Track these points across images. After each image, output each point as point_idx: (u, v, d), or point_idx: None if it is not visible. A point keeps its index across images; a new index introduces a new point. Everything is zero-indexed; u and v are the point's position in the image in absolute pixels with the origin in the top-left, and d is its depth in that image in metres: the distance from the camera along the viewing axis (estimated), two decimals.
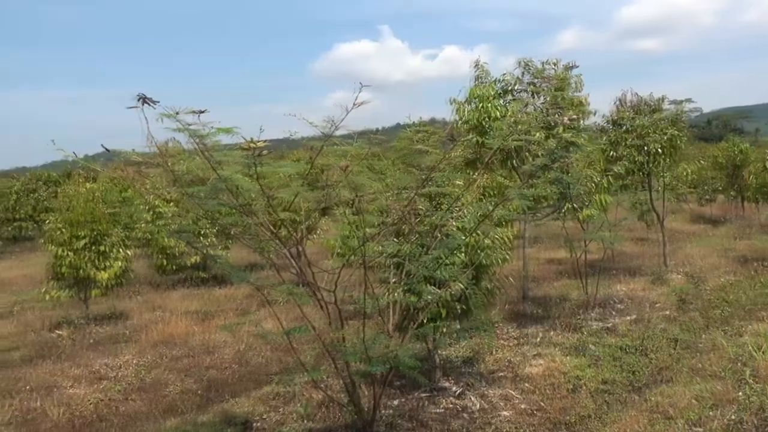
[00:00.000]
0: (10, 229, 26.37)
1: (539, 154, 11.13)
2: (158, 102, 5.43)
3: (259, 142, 4.52)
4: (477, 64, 12.21)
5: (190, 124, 5.48)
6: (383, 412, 6.84)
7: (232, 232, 15.83)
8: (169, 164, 5.61)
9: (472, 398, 7.40)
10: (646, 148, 13.86)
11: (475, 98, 11.71)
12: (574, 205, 11.59)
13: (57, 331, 11.58)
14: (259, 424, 6.80)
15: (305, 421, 6.77)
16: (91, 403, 7.74)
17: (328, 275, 6.04)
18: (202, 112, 5.68)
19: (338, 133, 5.42)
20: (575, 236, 12.43)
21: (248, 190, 5.39)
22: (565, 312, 11.14)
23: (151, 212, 17.73)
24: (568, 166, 11.03)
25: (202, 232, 15.32)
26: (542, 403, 7.16)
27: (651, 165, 14.15)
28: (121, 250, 12.92)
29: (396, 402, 7.25)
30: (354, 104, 5.00)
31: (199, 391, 8.29)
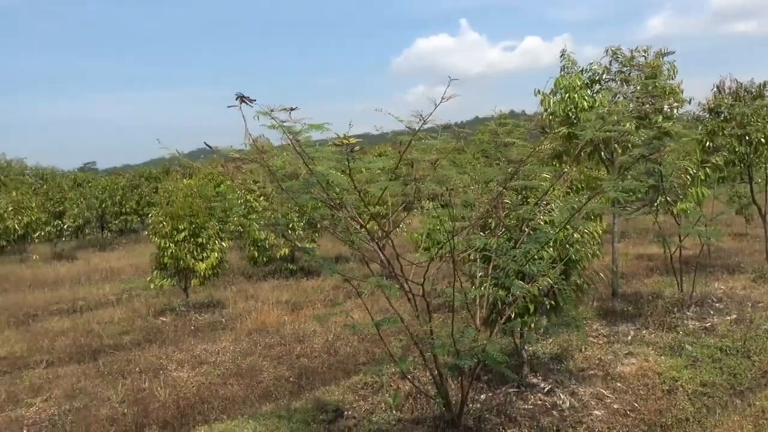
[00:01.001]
0: (117, 222, 28.45)
1: (629, 145, 10.70)
2: (255, 101, 5.73)
3: (351, 138, 4.66)
4: (563, 54, 11.86)
5: (284, 121, 5.75)
6: (471, 405, 6.86)
7: (319, 225, 16.41)
8: (265, 160, 5.89)
9: (562, 396, 7.26)
10: (747, 137, 13.00)
11: (561, 89, 11.38)
12: (668, 198, 11.03)
13: (161, 318, 12.43)
14: (349, 412, 7.00)
15: (394, 411, 6.90)
16: (193, 386, 8.27)
17: (414, 268, 6.12)
18: (293, 109, 5.93)
19: (412, 127, 5.51)
20: (668, 231, 11.83)
21: (339, 185, 5.57)
22: (658, 310, 10.65)
23: (244, 206, 18.61)
24: (662, 157, 10.53)
25: (291, 225, 15.94)
26: (636, 404, 6.92)
27: (752, 156, 13.26)
28: (217, 242, 13.66)
29: (483, 396, 7.25)
30: (442, 98, 5.05)
31: (292, 379, 8.64)
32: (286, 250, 17.06)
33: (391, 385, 7.78)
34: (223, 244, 14.08)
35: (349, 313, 8.29)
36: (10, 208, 21.27)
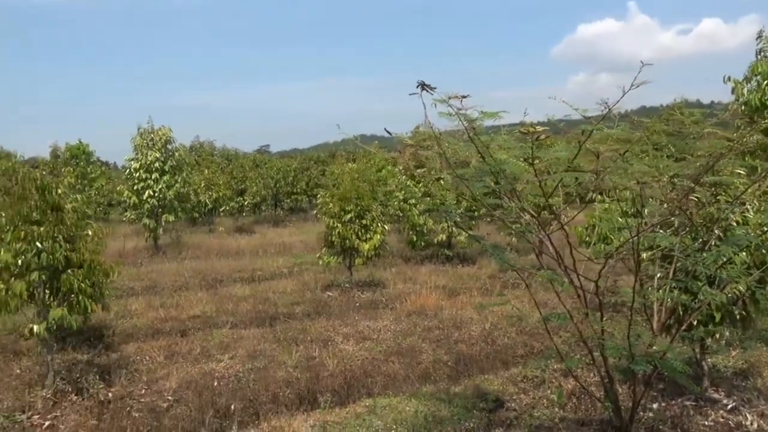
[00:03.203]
0: (289, 201, 30.81)
1: None
2: (435, 89, 5.85)
3: (537, 126, 4.57)
4: (760, 36, 10.47)
5: (460, 109, 5.81)
6: (642, 414, 6.46)
7: (476, 213, 16.32)
8: (442, 147, 5.99)
9: (748, 416, 6.55)
10: None
11: (757, 75, 10.10)
12: None
13: (328, 292, 13.28)
14: (510, 404, 6.95)
15: (556, 409, 6.73)
16: (358, 359, 8.75)
17: (579, 263, 5.87)
18: (465, 97, 5.96)
19: (587, 116, 5.23)
20: None
21: (513, 174, 5.50)
22: None
23: (403, 191, 19.14)
24: None
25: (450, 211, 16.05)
26: None
27: None
28: (379, 224, 14.23)
29: (656, 405, 6.78)
30: (632, 84, 4.75)
31: (450, 363, 8.78)
32: (444, 236, 17.28)
33: (552, 382, 7.59)
34: (386, 226, 14.65)
35: (515, 305, 8.16)
36: (202, 185, 24.02)
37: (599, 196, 12.26)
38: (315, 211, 25.10)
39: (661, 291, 6.04)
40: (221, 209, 26.40)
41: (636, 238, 5.05)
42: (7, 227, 7.81)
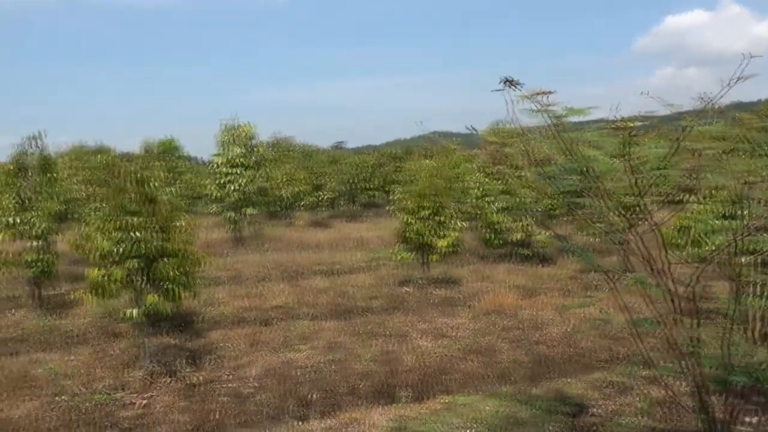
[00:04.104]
0: (365, 197, 31.16)
1: None
2: (522, 84, 5.73)
3: (631, 122, 4.39)
4: None
5: (547, 105, 5.67)
6: (738, 428, 6.07)
7: (556, 212, 15.89)
8: (527, 144, 5.87)
9: None
10: None
11: None
12: None
13: (404, 288, 13.35)
14: (594, 409, 6.73)
15: (644, 418, 6.45)
16: (435, 356, 8.74)
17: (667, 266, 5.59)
18: (550, 93, 5.81)
19: (662, 113, 4.97)
20: None
21: (603, 172, 5.32)
22: None
23: (479, 189, 18.91)
24: None
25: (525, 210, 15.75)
26: None
27: None
28: (456, 221, 14.14)
29: (754, 420, 6.35)
30: (735, 78, 4.48)
31: (529, 364, 8.61)
32: (521, 235, 16.93)
33: (639, 389, 7.28)
34: (462, 224, 14.54)
35: (602, 308, 7.90)
36: (282, 180, 24.74)
37: (692, 197, 11.62)
38: (390, 207, 25.25)
39: (761, 298, 5.66)
40: (300, 203, 27.08)
41: (736, 241, 4.75)
42: (108, 217, 8.36)
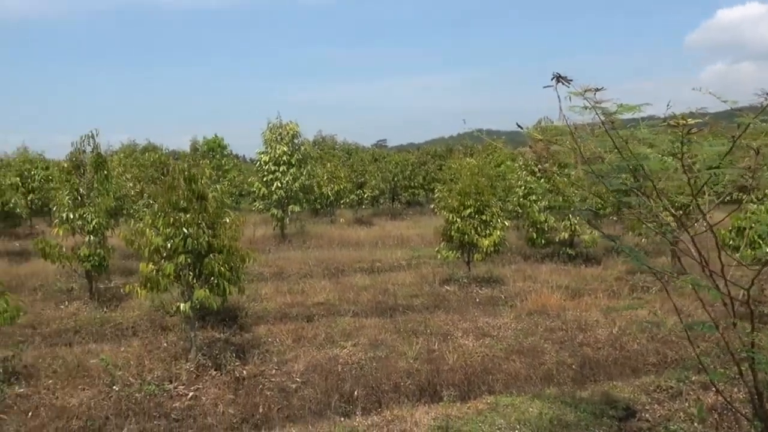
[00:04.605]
0: (406, 194, 31.20)
1: None
2: (572, 81, 5.63)
3: (688, 119, 4.25)
4: None
5: (598, 102, 5.54)
6: None
7: (601, 212, 15.50)
8: (573, 142, 5.76)
9: None
10: None
11: None
12: None
13: (446, 286, 13.29)
14: (643, 414, 6.58)
15: (696, 424, 6.26)
16: (478, 356, 8.68)
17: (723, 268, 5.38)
18: (600, 89, 5.67)
19: (714, 109, 4.76)
20: None
21: (655, 170, 5.18)
22: None
23: (523, 187, 18.65)
24: None
25: (571, 209, 15.43)
26: None
27: None
28: (499, 220, 13.98)
29: None
30: None
31: (574, 366, 8.46)
32: (566, 234, 16.62)
33: (690, 394, 7.07)
34: (505, 222, 14.37)
35: (653, 310, 7.70)
36: (325, 177, 24.98)
37: (748, 197, 11.19)
38: (432, 205, 25.18)
39: None
40: (342, 201, 27.32)
41: None
42: (159, 213, 8.60)
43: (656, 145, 4.87)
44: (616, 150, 5.83)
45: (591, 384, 7.76)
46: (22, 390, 7.58)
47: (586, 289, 12.89)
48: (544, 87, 5.62)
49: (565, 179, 16.14)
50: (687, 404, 6.73)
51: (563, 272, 14.64)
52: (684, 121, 4.27)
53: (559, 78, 5.58)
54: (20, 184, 21.99)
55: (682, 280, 5.75)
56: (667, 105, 5.50)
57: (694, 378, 7.50)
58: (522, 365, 8.37)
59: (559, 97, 5.60)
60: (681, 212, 5.79)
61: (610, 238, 6.18)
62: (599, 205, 16.50)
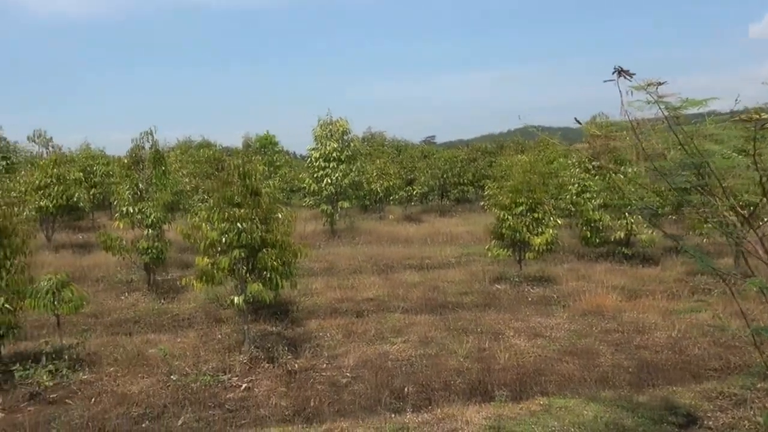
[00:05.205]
0: (456, 191, 30.95)
1: None
2: (634, 74, 5.43)
3: (762, 113, 4.03)
4: None
5: (661, 97, 5.34)
6: None
7: (659, 211, 14.97)
8: (635, 138, 5.57)
9: None
10: None
11: None
12: None
13: (497, 285, 13.12)
14: (705, 422, 6.31)
15: None
16: (531, 356, 8.52)
17: None
18: (662, 83, 5.45)
19: None
20: None
21: (726, 168, 4.95)
22: None
23: (577, 185, 18.21)
24: None
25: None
26: None
27: None
28: (552, 218, 13.69)
29: None
30: None
31: (631, 369, 8.19)
32: (622, 233, 16.12)
33: (756, 402, 6.73)
34: (558, 221, 14.06)
35: (717, 313, 7.38)
36: (375, 174, 25.04)
37: None
38: (482, 203, 24.90)
39: None
40: (391, 198, 27.33)
41: None
42: (214, 208, 8.81)
43: (724, 141, 4.64)
44: (679, 146, 5.63)
45: (649, 388, 7.49)
46: (86, 376, 7.91)
47: (644, 290, 12.48)
48: (605, 81, 5.45)
49: (621, 176, 15.69)
50: (752, 412, 6.41)
51: (619, 272, 14.22)
52: (757, 116, 4.05)
53: (620, 72, 5.41)
54: (83, 179, 22.95)
55: (748, 282, 5.49)
56: (736, 100, 5.27)
57: (759, 385, 7.15)
58: (576, 367, 8.16)
59: (620, 91, 5.44)
60: (748, 211, 5.52)
61: (673, 238, 5.95)
62: (659, 204, 15.94)
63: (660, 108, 5.46)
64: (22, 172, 20.54)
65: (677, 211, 7.05)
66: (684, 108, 5.32)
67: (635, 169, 7.36)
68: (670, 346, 8.98)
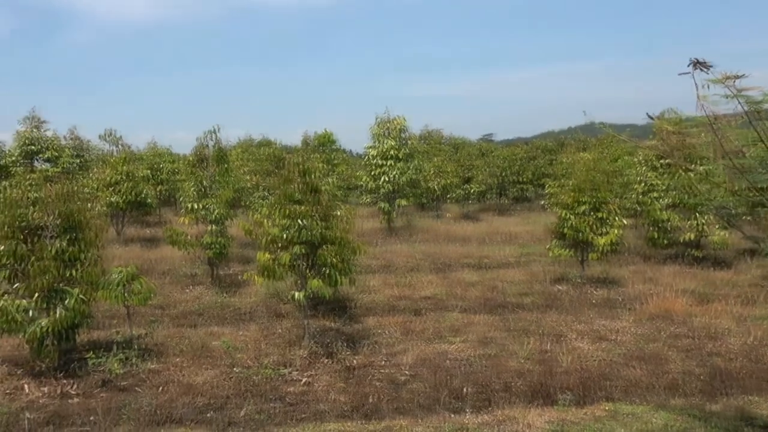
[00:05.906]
0: (514, 190, 30.41)
1: None
2: (711, 66, 5.15)
3: None
4: None
5: (740, 90, 5.06)
6: None
7: (733, 211, 14.21)
8: (718, 133, 5.28)
9: None
10: None
11: None
12: None
13: (558, 286, 12.79)
14: None
15: None
16: (594, 360, 8.26)
17: None
18: (739, 77, 5.14)
19: None
20: None
21: None
22: None
23: (643, 183, 17.53)
24: None
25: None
26: None
27: None
28: (617, 218, 13.21)
29: None
30: None
31: (702, 377, 7.80)
32: (692, 235, 15.39)
33: None
34: (624, 221, 13.56)
35: None
36: (432, 172, 24.90)
37: None
38: (542, 202, 24.35)
39: None
40: (448, 196, 27.12)
41: None
42: (276, 205, 8.96)
43: None
44: (760, 143, 5.34)
45: (723, 397, 7.12)
46: (153, 366, 8.21)
47: (716, 294, 11.88)
48: (680, 74, 5.23)
49: (691, 174, 14.97)
50: None
51: (689, 275, 13.59)
52: None
53: (696, 63, 5.16)
54: (151, 176, 23.86)
55: None
56: None
57: None
58: (643, 373, 7.84)
59: (696, 84, 5.19)
60: None
61: (754, 240, 5.61)
62: (733, 204, 15.18)
63: (739, 102, 5.19)
64: (95, 170, 21.54)
65: (752, 212, 6.69)
66: (765, 102, 5.04)
67: (709, 167, 7.01)
68: (745, 354, 8.51)
